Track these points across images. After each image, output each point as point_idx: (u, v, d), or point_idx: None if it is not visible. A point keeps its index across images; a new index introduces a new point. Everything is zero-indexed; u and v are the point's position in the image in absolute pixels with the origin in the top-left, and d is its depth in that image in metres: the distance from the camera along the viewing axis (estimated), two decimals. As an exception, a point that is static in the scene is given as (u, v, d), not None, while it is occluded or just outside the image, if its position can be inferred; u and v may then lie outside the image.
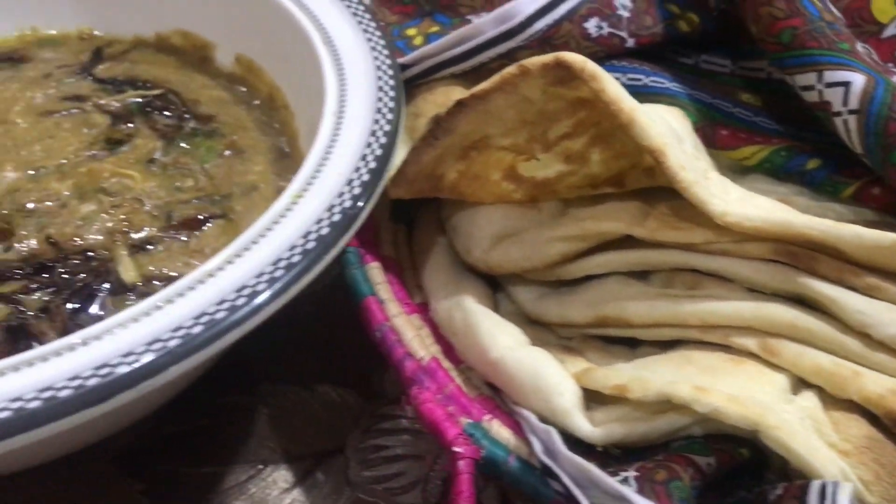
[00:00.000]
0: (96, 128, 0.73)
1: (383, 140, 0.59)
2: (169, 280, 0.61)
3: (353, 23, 0.70)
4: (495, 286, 0.66)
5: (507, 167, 0.63)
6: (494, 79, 0.58)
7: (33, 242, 0.63)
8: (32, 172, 0.69)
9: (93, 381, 0.43)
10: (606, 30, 0.71)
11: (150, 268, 0.62)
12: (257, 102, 0.77)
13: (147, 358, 0.44)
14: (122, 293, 0.60)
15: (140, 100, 0.76)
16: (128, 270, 0.61)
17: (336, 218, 0.53)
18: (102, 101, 0.76)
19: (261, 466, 0.65)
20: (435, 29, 0.75)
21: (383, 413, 0.69)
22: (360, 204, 0.54)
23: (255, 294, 0.48)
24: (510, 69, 0.57)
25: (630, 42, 0.71)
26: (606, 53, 0.71)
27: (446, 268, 0.66)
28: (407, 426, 0.68)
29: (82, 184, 0.68)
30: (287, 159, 0.72)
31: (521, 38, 0.68)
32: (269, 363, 0.70)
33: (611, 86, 0.54)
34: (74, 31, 0.84)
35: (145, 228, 0.64)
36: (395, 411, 0.69)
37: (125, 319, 0.47)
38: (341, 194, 0.54)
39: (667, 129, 0.57)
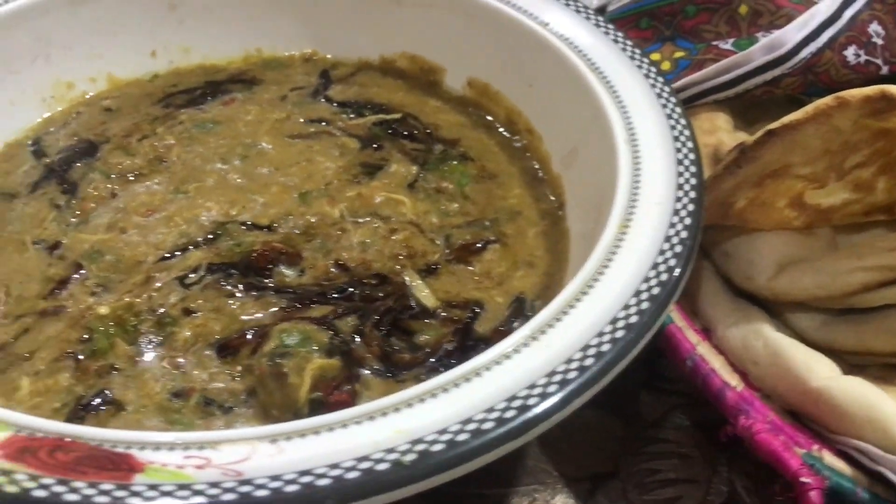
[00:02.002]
0: (348, 151, 0.74)
1: (693, 169, 0.59)
2: (467, 305, 0.62)
3: (612, 45, 0.70)
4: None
5: (795, 195, 0.63)
6: (807, 109, 0.59)
7: (322, 266, 0.64)
8: (299, 196, 0.70)
9: (509, 414, 0.44)
10: (863, 57, 0.71)
11: (445, 292, 0.63)
12: (499, 126, 0.78)
13: (552, 389, 0.45)
14: (424, 318, 0.61)
15: (382, 124, 0.77)
16: (427, 296, 0.62)
17: (677, 249, 0.53)
18: (346, 125, 0.77)
19: (541, 489, 0.66)
20: (680, 54, 0.76)
21: (646, 436, 0.70)
22: (691, 237, 0.55)
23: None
24: (826, 100, 0.58)
25: (885, 69, 0.72)
26: (863, 81, 0.71)
27: (723, 294, 0.66)
28: (673, 450, 0.69)
29: (354, 208, 0.68)
30: (542, 184, 0.73)
31: (787, 65, 0.69)
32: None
33: (944, 119, 0.55)
34: (298, 53, 0.86)
35: (429, 253, 0.65)
36: (657, 434, 0.70)
37: (508, 350, 0.47)
38: (673, 225, 0.55)
39: None
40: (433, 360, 0.58)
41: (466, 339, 0.60)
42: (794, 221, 0.65)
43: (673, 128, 0.63)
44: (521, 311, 0.62)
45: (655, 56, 0.77)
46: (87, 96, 0.80)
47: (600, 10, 0.81)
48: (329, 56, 0.85)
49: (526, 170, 0.74)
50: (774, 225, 0.65)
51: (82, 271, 0.63)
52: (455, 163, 0.74)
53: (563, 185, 0.71)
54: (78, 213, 0.68)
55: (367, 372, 0.57)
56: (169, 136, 0.75)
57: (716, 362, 0.60)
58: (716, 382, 0.58)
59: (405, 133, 0.77)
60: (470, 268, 0.65)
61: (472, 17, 0.77)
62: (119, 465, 0.41)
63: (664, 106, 0.65)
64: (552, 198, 0.71)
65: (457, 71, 0.81)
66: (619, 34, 0.71)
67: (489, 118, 0.79)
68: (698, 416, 0.71)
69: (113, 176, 0.71)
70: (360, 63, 0.85)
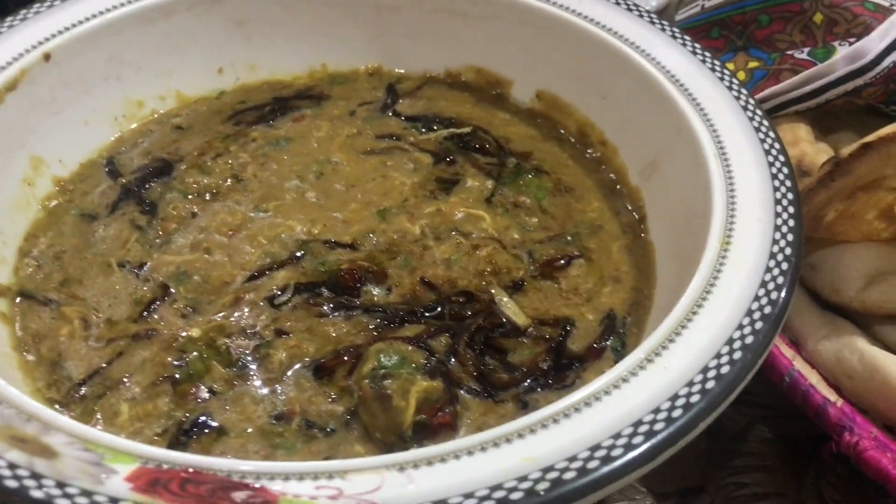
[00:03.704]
0: (422, 167, 0.74)
1: (789, 183, 0.59)
2: (558, 322, 0.62)
3: (690, 57, 0.70)
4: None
5: (885, 206, 0.63)
6: (904, 122, 0.58)
7: (408, 284, 0.64)
8: (378, 212, 0.70)
9: (637, 440, 0.44)
10: (945, 65, 0.71)
11: (534, 309, 0.63)
12: (572, 139, 0.78)
13: (676, 414, 0.45)
14: (515, 336, 0.61)
15: (452, 138, 0.77)
16: (517, 313, 0.62)
17: (783, 266, 0.53)
18: (417, 140, 0.77)
19: (630, 505, 0.65)
20: (755, 64, 0.76)
21: (731, 449, 0.69)
22: (795, 253, 0.54)
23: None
24: (923, 112, 0.57)
25: (966, 77, 0.71)
26: (943, 88, 0.71)
27: (810, 307, 0.66)
28: (759, 462, 0.68)
29: (435, 224, 0.68)
30: (620, 196, 0.72)
31: (870, 75, 0.69)
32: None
33: None
34: (363, 68, 0.85)
35: (514, 269, 0.65)
36: (741, 447, 0.69)
37: (625, 373, 0.47)
38: (776, 241, 0.54)
39: None
40: (530, 379, 0.58)
41: (561, 357, 0.59)
42: (882, 233, 0.65)
43: (763, 141, 0.62)
44: (612, 328, 0.62)
45: (730, 66, 0.76)
46: (157, 114, 0.80)
47: (658, 13, 0.80)
48: (394, 70, 0.85)
49: (603, 182, 0.74)
50: (862, 237, 0.65)
51: (171, 292, 0.63)
52: (530, 176, 0.73)
53: (643, 198, 0.71)
54: (160, 233, 0.68)
55: (463, 392, 0.57)
56: (243, 153, 0.75)
57: (814, 377, 0.59)
58: (817, 398, 0.57)
59: (477, 147, 0.76)
60: (556, 284, 0.65)
61: (543, 29, 0.77)
62: (253, 498, 0.41)
63: (751, 119, 0.64)
64: (632, 211, 0.71)
65: (525, 83, 0.81)
66: (697, 45, 0.71)
67: (560, 130, 0.79)
68: (781, 428, 0.70)
69: (191, 196, 0.71)
70: (425, 77, 0.84)
